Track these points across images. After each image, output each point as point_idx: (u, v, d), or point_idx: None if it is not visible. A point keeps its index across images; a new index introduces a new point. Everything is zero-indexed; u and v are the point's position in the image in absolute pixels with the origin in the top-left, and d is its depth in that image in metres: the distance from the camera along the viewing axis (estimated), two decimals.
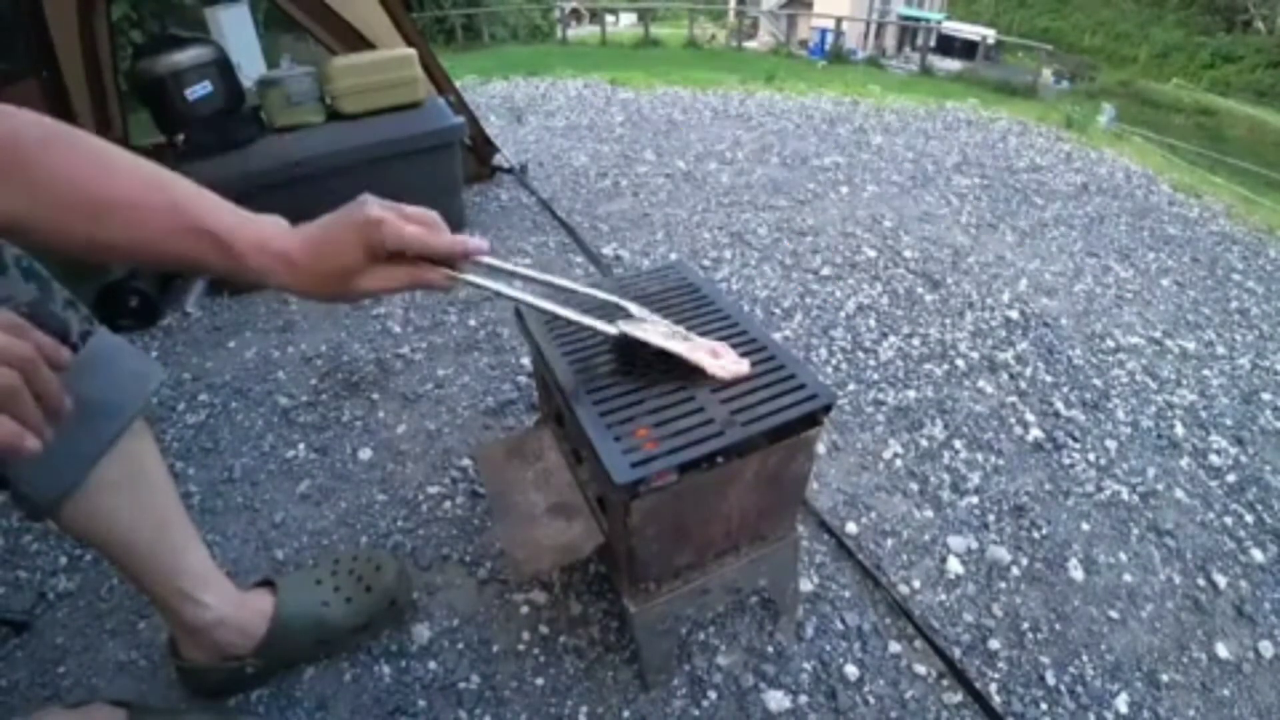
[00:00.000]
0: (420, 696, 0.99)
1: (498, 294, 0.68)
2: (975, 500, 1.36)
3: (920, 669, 1.05)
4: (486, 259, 0.66)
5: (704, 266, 2.21)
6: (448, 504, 1.30)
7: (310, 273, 0.56)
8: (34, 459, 0.43)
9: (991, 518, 1.32)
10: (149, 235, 0.52)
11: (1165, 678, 1.07)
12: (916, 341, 1.85)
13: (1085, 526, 1.33)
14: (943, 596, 1.17)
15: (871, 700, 1.00)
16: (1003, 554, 1.24)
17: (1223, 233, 2.97)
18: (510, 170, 2.91)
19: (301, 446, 1.44)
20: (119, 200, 0.51)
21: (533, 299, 0.75)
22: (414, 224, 0.59)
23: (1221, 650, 1.12)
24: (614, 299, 0.83)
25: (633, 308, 0.84)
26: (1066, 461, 1.48)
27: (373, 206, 0.57)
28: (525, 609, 1.10)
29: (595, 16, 16.96)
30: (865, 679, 1.03)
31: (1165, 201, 3.30)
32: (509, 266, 0.71)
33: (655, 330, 0.85)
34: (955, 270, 2.27)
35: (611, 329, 0.82)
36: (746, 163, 3.27)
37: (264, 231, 0.55)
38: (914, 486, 1.39)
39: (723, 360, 0.86)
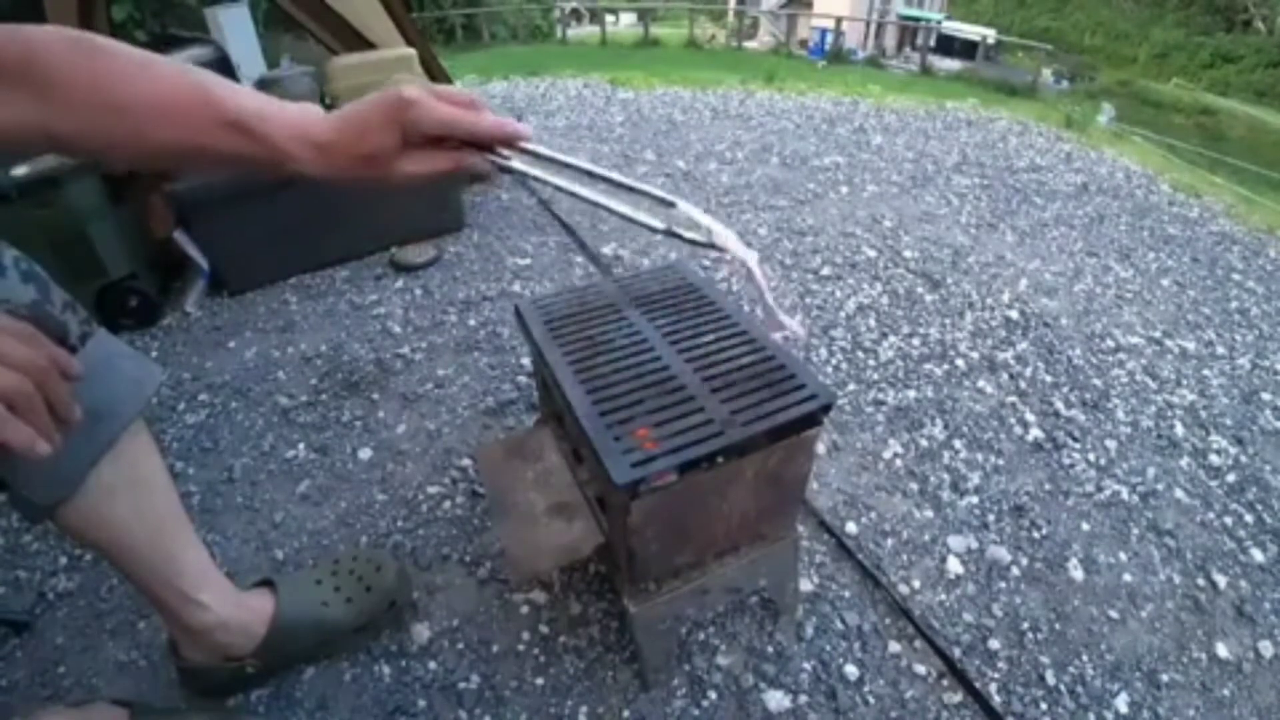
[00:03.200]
0: (420, 696, 0.99)
1: (543, 182, 0.64)
2: (975, 500, 1.36)
3: (920, 669, 1.05)
4: (531, 145, 0.61)
5: (704, 266, 2.21)
6: (448, 504, 1.30)
7: (344, 155, 0.54)
8: (35, 462, 0.45)
9: (991, 518, 1.32)
10: (190, 134, 0.51)
11: (1165, 678, 1.07)
12: (916, 341, 1.85)
13: (1085, 526, 1.33)
14: (943, 596, 1.17)
15: (871, 700, 1.00)
16: (1003, 554, 1.24)
17: (1223, 233, 2.97)
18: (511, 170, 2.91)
19: (301, 446, 1.44)
20: (159, 103, 0.50)
21: (581, 190, 0.68)
22: (451, 104, 0.56)
23: (1221, 650, 1.12)
24: (664, 195, 0.77)
25: (681, 204, 0.76)
26: (1066, 461, 1.48)
27: (408, 87, 0.54)
28: (525, 609, 1.10)
29: (595, 16, 16.96)
30: (865, 679, 1.03)
31: (1165, 201, 3.30)
32: (555, 155, 0.64)
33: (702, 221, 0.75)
34: (955, 270, 2.27)
35: (659, 224, 0.74)
36: (746, 163, 3.27)
37: (297, 120, 0.54)
38: (914, 486, 1.39)
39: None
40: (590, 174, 0.68)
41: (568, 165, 0.65)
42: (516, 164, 0.60)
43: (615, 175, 0.70)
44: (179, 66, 0.52)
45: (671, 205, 0.74)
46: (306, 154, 0.53)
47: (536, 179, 0.63)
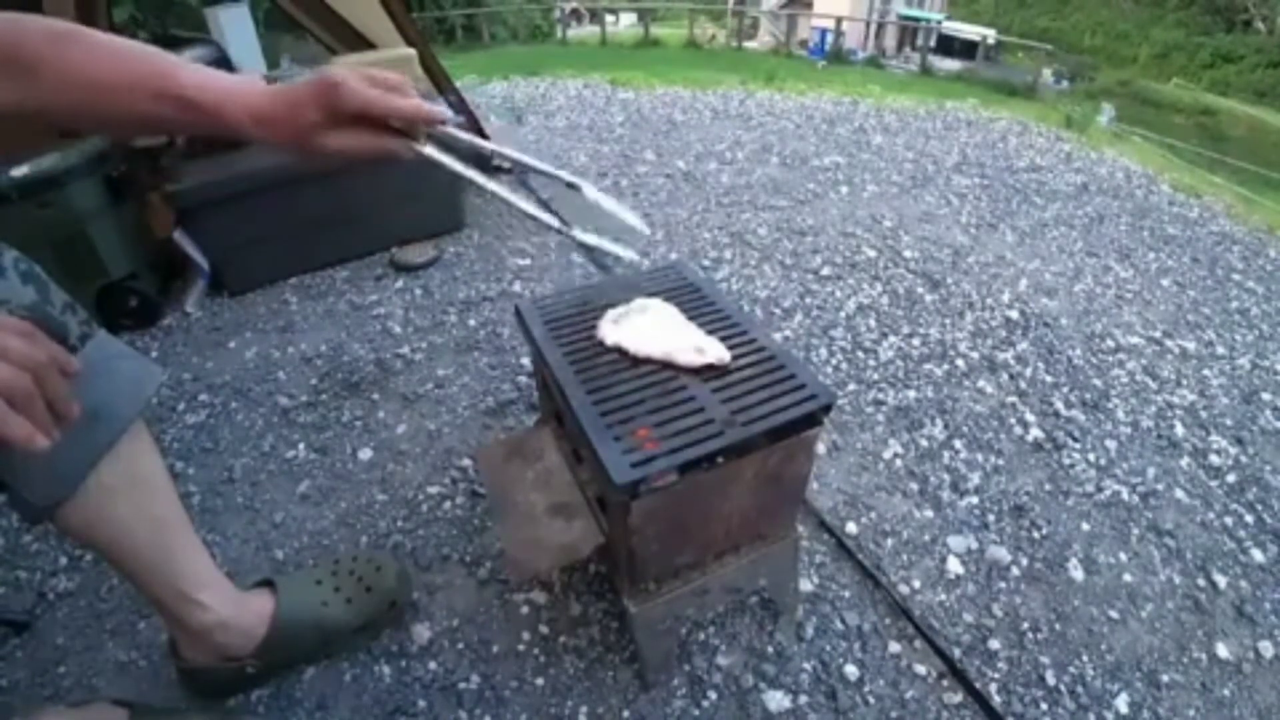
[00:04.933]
0: (420, 696, 0.99)
1: (456, 172, 0.67)
2: (975, 500, 1.36)
3: (920, 669, 1.05)
4: (450, 129, 0.67)
5: (704, 266, 2.21)
6: (448, 504, 1.30)
7: (275, 126, 0.60)
8: (33, 461, 0.45)
9: (991, 518, 1.32)
10: (149, 107, 0.58)
11: (1165, 678, 1.07)
12: (916, 341, 1.85)
13: (1085, 526, 1.33)
14: (943, 596, 1.17)
15: (871, 700, 1.00)
16: (1003, 554, 1.24)
17: (1223, 233, 2.97)
18: (510, 170, 2.91)
19: (301, 446, 1.44)
20: (124, 81, 0.58)
21: (491, 184, 0.71)
22: (377, 87, 0.61)
23: (1221, 650, 1.12)
24: (572, 178, 0.78)
25: (586, 188, 0.79)
26: (1066, 461, 1.48)
27: (337, 70, 0.60)
28: (525, 609, 1.10)
29: (595, 16, 16.96)
30: (865, 679, 1.03)
31: (1165, 201, 3.30)
32: (472, 139, 0.69)
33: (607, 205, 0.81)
34: (955, 270, 2.27)
35: (555, 224, 0.78)
36: (746, 163, 3.27)
37: (238, 92, 0.60)
38: (914, 486, 1.39)
39: (709, 353, 0.87)
40: (508, 158, 0.72)
41: (487, 150, 0.70)
42: (432, 152, 0.65)
43: (527, 159, 0.74)
44: (139, 48, 0.60)
45: (576, 188, 0.78)
46: (247, 122, 0.59)
47: (450, 168, 0.66)
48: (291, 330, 1.86)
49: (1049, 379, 1.76)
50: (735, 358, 0.90)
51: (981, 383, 1.71)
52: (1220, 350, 2.00)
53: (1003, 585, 1.19)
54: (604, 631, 1.07)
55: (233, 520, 1.27)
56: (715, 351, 0.88)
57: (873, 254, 2.34)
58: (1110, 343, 1.94)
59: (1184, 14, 26.79)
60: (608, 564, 1.03)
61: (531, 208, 0.75)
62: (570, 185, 0.78)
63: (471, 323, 1.87)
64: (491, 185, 0.71)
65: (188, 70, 0.59)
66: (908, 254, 2.36)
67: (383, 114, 0.61)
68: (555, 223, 0.77)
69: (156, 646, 1.03)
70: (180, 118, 0.59)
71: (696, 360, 0.87)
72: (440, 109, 0.65)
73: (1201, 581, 1.24)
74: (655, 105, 4.51)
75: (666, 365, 0.87)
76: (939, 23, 15.67)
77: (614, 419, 0.80)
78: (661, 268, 1.15)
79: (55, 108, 0.57)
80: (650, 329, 0.89)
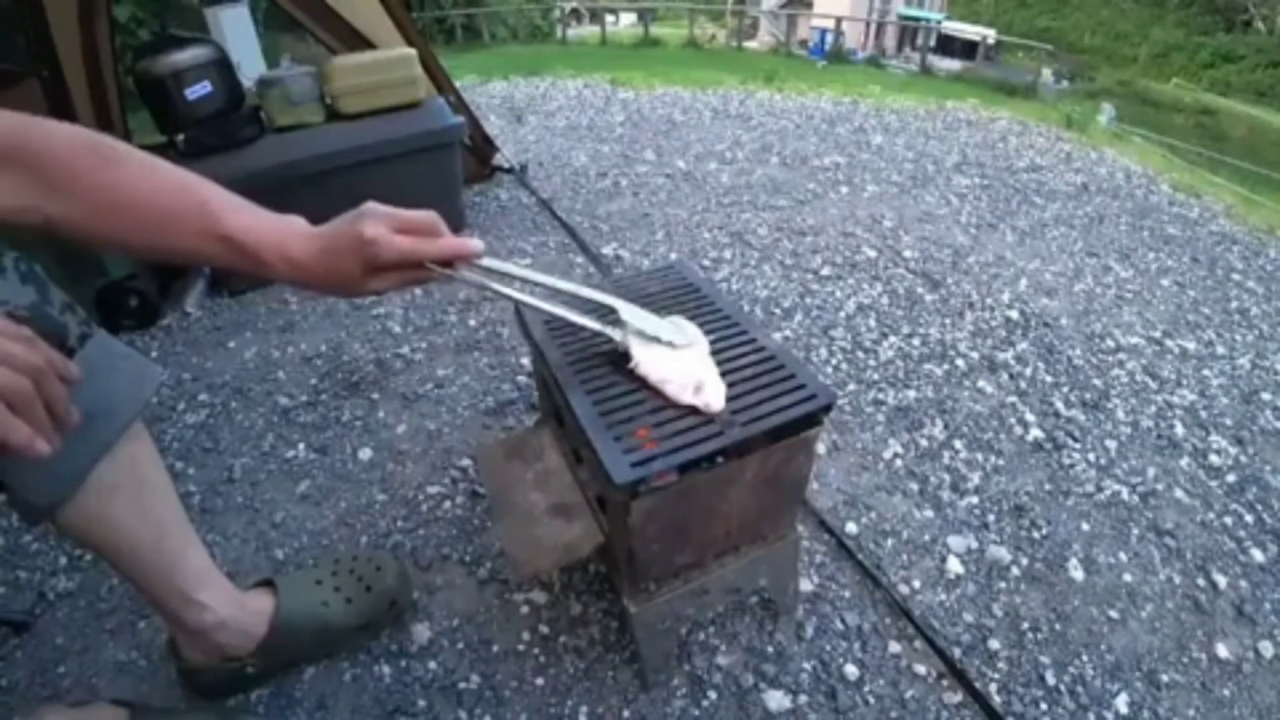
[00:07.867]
0: (420, 696, 0.99)
1: (495, 293, 0.72)
2: (975, 500, 1.36)
3: (920, 669, 1.05)
4: (485, 261, 0.70)
5: (704, 266, 2.21)
6: (448, 504, 1.30)
7: (317, 278, 0.63)
8: (32, 462, 0.45)
9: (991, 518, 1.32)
10: (184, 242, 0.59)
11: (1165, 678, 1.07)
12: (916, 341, 1.85)
13: (1085, 526, 1.33)
14: (943, 596, 1.17)
15: (871, 700, 1.00)
16: (1003, 554, 1.24)
17: (1223, 233, 2.97)
18: (510, 170, 2.91)
19: (301, 446, 1.44)
20: (160, 212, 0.58)
21: (531, 300, 0.79)
22: (410, 234, 0.64)
23: (1221, 650, 1.12)
24: (607, 299, 0.85)
25: (622, 308, 0.85)
26: (1066, 461, 1.48)
27: (369, 225, 0.62)
28: (525, 609, 1.10)
29: (595, 16, 16.96)
30: (865, 679, 1.03)
31: (1165, 201, 3.30)
32: (506, 267, 0.72)
33: (648, 328, 0.86)
34: (955, 270, 2.27)
35: (615, 334, 0.84)
36: (746, 163, 3.27)
37: (279, 239, 0.62)
38: (914, 486, 1.39)
39: (704, 395, 0.83)
40: (540, 284, 0.77)
41: (519, 277, 0.74)
42: (470, 275, 0.70)
43: (563, 284, 0.80)
44: (182, 179, 0.60)
45: (613, 312, 0.85)
46: (285, 269, 0.62)
47: (490, 289, 0.72)
48: (291, 330, 1.86)
49: (1049, 379, 1.76)
50: (735, 358, 0.90)
51: (981, 383, 1.71)
52: (1220, 350, 2.00)
53: (1003, 585, 1.19)
54: (604, 631, 1.07)
55: (233, 520, 1.27)
56: (708, 397, 0.81)
57: (873, 254, 2.34)
58: (1110, 343, 1.94)
59: (1184, 14, 26.79)
60: (608, 564, 1.03)
61: (581, 318, 0.82)
62: (609, 309, 0.85)
63: (471, 322, 1.87)
64: (529, 300, 0.76)
65: (233, 209, 0.60)
66: (908, 254, 2.36)
67: (421, 260, 0.65)
68: (598, 327, 0.85)
69: (156, 646, 1.03)
70: (221, 256, 0.60)
71: (684, 398, 0.81)
72: (473, 243, 0.68)
73: (1201, 581, 1.24)
74: (655, 105, 4.51)
75: (655, 390, 0.83)
76: (939, 23, 15.67)
77: (614, 419, 0.80)
78: (661, 267, 1.15)
79: (78, 224, 0.55)
80: (666, 354, 0.85)
